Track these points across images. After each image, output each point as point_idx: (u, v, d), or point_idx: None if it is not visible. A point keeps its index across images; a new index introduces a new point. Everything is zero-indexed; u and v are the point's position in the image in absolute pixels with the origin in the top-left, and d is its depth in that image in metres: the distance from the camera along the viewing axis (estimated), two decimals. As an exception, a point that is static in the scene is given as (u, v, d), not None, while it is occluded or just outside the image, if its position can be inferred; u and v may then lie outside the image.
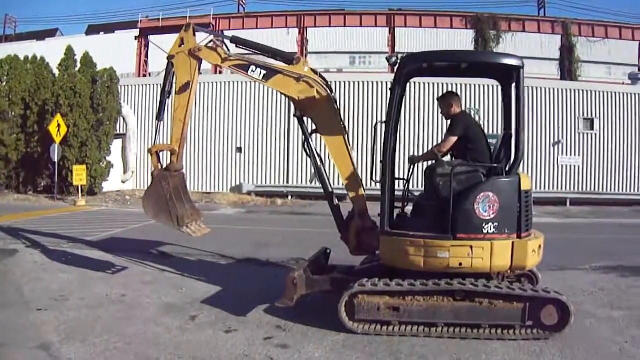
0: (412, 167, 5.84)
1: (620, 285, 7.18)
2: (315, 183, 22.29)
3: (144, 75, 29.56)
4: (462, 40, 31.78)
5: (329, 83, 5.93)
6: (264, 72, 5.89)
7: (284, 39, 29.96)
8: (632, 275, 7.83)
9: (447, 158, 5.51)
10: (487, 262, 4.90)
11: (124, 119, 22.30)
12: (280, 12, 29.83)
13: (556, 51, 30.51)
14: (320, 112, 5.87)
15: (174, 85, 6.28)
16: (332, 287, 5.51)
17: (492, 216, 4.90)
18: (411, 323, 4.98)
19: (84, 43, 28.36)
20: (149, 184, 6.33)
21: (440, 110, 5.77)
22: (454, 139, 5.29)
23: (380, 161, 5.42)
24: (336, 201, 6.05)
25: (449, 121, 5.60)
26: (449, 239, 4.92)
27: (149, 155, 6.30)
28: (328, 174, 6.25)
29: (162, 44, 29.79)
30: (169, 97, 6.41)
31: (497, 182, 4.98)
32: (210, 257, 8.81)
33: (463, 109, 5.61)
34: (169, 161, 6.35)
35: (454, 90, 7.41)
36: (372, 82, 21.95)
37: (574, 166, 21.92)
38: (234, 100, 22.48)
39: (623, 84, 26.05)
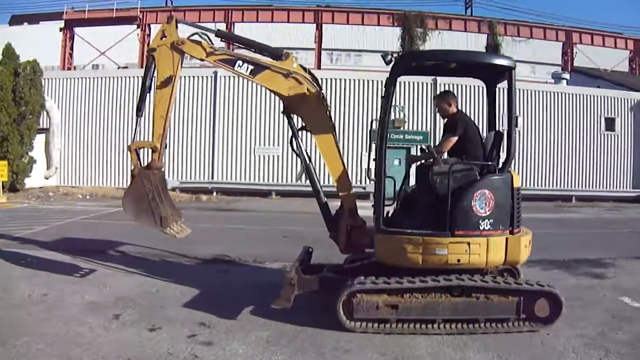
0: (409, 166, 5.91)
1: (542, 279, 7.58)
2: (242, 179, 22.39)
3: (69, 69, 28.71)
4: (388, 37, 32.64)
5: (318, 80, 5.86)
6: (251, 67, 5.74)
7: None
8: (554, 268, 8.27)
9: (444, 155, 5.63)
10: (484, 257, 5.06)
11: (47, 113, 21.61)
12: (208, 6, 29.80)
13: (482, 50, 31.92)
14: (309, 109, 5.79)
15: (154, 79, 5.99)
16: (322, 286, 5.50)
17: (488, 213, 5.05)
18: (409, 320, 5.04)
19: (6, 34, 27.03)
20: (129, 182, 6.00)
21: (437, 109, 5.87)
22: (454, 138, 5.40)
23: (374, 159, 5.44)
24: (324, 199, 5.99)
25: (444, 120, 5.72)
26: (447, 236, 5.02)
27: (129, 152, 5.97)
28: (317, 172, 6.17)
29: (89, 37, 28.78)
30: (149, 92, 6.09)
31: (492, 180, 5.14)
32: (134, 254, 8.68)
33: (459, 108, 5.75)
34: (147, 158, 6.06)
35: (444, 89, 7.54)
36: None
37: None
38: None
39: (547, 82, 27.73)
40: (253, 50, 5.99)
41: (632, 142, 24.30)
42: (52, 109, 21.87)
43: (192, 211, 16.25)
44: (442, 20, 31.37)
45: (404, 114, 22.68)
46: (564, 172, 23.49)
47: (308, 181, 6.12)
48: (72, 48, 29.25)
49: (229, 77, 22.25)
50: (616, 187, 24.21)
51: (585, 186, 23.93)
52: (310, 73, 5.87)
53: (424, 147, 5.85)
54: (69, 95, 22.72)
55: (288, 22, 29.53)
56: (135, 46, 29.26)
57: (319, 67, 28.47)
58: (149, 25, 29.34)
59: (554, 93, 24.22)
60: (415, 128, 23.01)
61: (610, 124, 24.31)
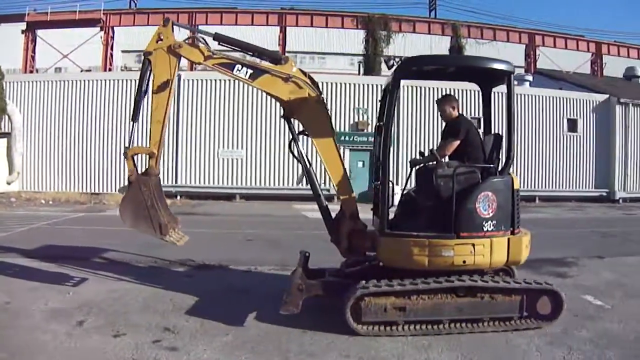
0: (412, 169, 6.05)
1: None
2: (206, 182, 22.46)
3: (32, 72, 28.05)
4: (352, 40, 33.01)
5: (317, 84, 5.93)
6: (250, 71, 5.74)
7: (175, 36, 29.76)
8: (518, 268, 8.55)
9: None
10: (488, 258, 5.25)
11: (9, 117, 21.26)
12: (172, 9, 29.98)
13: (446, 52, 32.69)
14: (310, 114, 5.83)
15: (150, 83, 5.93)
16: (326, 291, 5.57)
17: (491, 214, 5.25)
18: (417, 322, 5.19)
19: (-34, 36, 26.20)
20: (126, 189, 5.93)
21: (439, 113, 6.02)
22: (457, 142, 5.54)
23: (379, 163, 5.56)
24: (325, 203, 6.05)
25: (445, 123, 5.90)
26: (452, 238, 5.19)
27: (125, 159, 5.90)
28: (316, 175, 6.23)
29: (51, 39, 28.11)
30: (144, 97, 6.03)
31: (495, 182, 5.33)
32: (97, 259, 8.65)
33: (461, 112, 5.93)
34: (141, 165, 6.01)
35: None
36: None
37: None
38: (122, 99, 22.13)
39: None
40: (251, 54, 6.00)
41: (594, 142, 25.25)
42: (14, 112, 21.58)
43: None
44: (406, 22, 31.95)
45: (368, 116, 23.10)
46: (527, 172, 24.15)
47: (309, 185, 6.16)
48: (34, 51, 28.60)
49: (192, 80, 22.39)
50: (579, 187, 25.07)
51: (549, 186, 24.70)
52: (309, 77, 5.91)
53: (423, 150, 5.99)
54: (31, 99, 22.39)
55: (252, 24, 29.44)
56: (98, 49, 28.86)
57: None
58: (112, 27, 29.14)
59: (517, 95, 24.94)
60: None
61: (572, 125, 25.20)
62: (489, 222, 5.25)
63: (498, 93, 6.15)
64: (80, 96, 22.30)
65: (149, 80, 5.97)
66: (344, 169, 5.94)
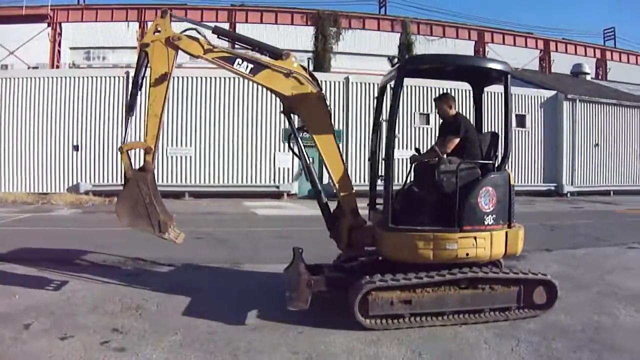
0: (412, 166, 6.30)
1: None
2: (159, 181, 21.84)
3: None
4: (302, 36, 33.28)
5: (317, 79, 6.07)
6: (250, 66, 5.77)
7: (123, 32, 30.40)
8: None
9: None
10: (488, 250, 5.58)
11: None
12: (121, 5, 29.40)
13: (395, 48, 33.47)
14: (311, 110, 5.94)
15: (146, 76, 5.88)
16: (330, 286, 5.74)
17: (491, 209, 5.58)
18: (421, 314, 5.46)
19: None
20: (123, 186, 5.86)
21: (437, 111, 6.30)
22: (457, 139, 5.82)
23: (383, 159, 5.78)
24: (325, 199, 6.19)
25: (442, 121, 6.19)
26: (456, 231, 5.49)
27: (120, 154, 5.80)
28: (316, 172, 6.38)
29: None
30: (140, 90, 5.98)
31: (494, 177, 5.68)
32: (44, 260, 8.45)
33: (457, 110, 6.23)
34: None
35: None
36: (214, 78, 22.71)
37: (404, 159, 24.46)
38: (70, 96, 21.89)
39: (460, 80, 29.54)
40: (251, 48, 6.07)
41: (542, 138, 26.57)
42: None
43: (104, 214, 16.37)
44: (355, 19, 32.62)
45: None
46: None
47: (309, 182, 6.28)
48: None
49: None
50: (528, 181, 26.23)
51: (498, 181, 25.70)
52: (310, 73, 6.04)
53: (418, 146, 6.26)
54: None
55: (202, 21, 29.03)
56: (45, 45, 28.20)
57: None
58: (59, 23, 28.73)
59: (467, 91, 25.81)
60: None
61: (521, 120, 26.33)
62: (489, 215, 5.59)
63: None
64: (26, 94, 21.81)
65: (145, 73, 5.92)
66: (344, 165, 6.10)
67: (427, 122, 24.43)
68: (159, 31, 5.87)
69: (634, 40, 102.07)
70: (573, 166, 26.91)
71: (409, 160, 6.31)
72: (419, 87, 24.31)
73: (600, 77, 37.35)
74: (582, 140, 27.23)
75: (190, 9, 29.64)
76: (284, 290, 5.81)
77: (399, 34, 33.00)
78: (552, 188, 26.31)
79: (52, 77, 22.35)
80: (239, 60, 5.82)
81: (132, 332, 5.21)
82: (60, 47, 28.98)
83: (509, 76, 5.85)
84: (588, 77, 35.08)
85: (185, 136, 22.55)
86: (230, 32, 6.09)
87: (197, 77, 22.34)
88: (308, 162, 6.22)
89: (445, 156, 5.80)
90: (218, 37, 6.05)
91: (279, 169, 23.56)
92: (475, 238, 5.52)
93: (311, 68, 30.56)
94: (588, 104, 27.51)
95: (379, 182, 6.47)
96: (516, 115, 26.17)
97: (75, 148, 21.88)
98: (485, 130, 6.65)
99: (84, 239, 10.72)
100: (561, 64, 35.31)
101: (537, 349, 4.94)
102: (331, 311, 5.67)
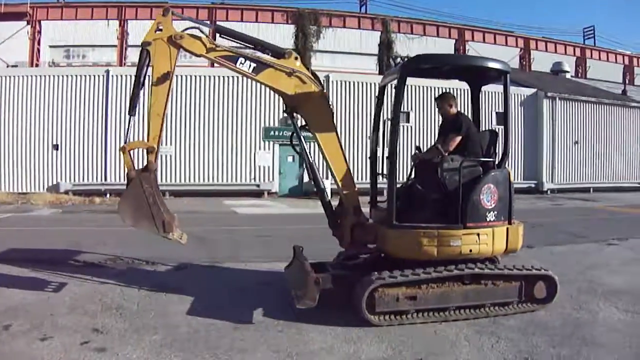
0: (414, 164, 6.44)
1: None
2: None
3: None
4: (283, 35, 33.31)
5: (320, 78, 6.16)
6: (253, 65, 5.83)
7: (103, 30, 30.14)
8: None
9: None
10: (490, 247, 5.77)
11: None
12: (101, 3, 29.22)
13: (375, 47, 33.69)
14: (314, 108, 6.03)
15: (148, 75, 5.89)
16: (335, 284, 5.78)
17: (493, 205, 5.76)
18: (426, 310, 5.60)
19: None
20: (126, 186, 5.86)
21: (438, 110, 6.44)
22: (459, 137, 5.95)
23: (387, 157, 5.90)
24: (328, 198, 6.30)
25: (443, 120, 6.34)
26: (460, 228, 5.64)
27: (122, 154, 5.78)
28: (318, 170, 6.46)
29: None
30: (142, 88, 5.98)
31: (495, 175, 5.84)
32: (24, 260, 8.44)
33: (459, 109, 6.39)
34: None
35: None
36: (194, 76, 22.82)
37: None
38: (50, 95, 21.80)
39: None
40: (253, 47, 6.13)
41: (522, 135, 27.01)
42: None
43: (84, 214, 16.58)
44: (336, 17, 32.78)
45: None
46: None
47: (312, 181, 6.37)
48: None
49: (121, 76, 22.28)
50: (509, 178, 26.60)
51: (479, 178, 26.14)
52: (312, 72, 6.12)
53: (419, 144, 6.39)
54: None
55: (181, 20, 29.05)
56: (25, 44, 27.86)
57: (212, 65, 28.53)
58: (39, 21, 28.34)
59: (446, 89, 26.10)
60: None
61: (501, 118, 26.61)
62: (491, 212, 5.76)
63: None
64: (5, 92, 21.66)
65: (146, 72, 5.93)
66: (347, 164, 6.19)
67: (407, 120, 24.64)
68: (160, 29, 5.85)
69: (613, 38, 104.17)
70: (553, 163, 27.49)
71: (410, 159, 6.43)
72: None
73: (580, 75, 38.04)
74: (562, 138, 27.82)
75: (171, 6, 29.24)
76: (278, 289, 5.96)
77: (380, 33, 33.15)
78: (533, 185, 26.80)
79: (32, 76, 22.28)
80: (241, 60, 5.87)
81: (112, 332, 5.23)
82: (40, 45, 28.62)
83: (508, 75, 5.99)
84: (568, 75, 35.78)
85: (165, 135, 22.38)
86: (233, 30, 6.10)
87: (177, 76, 22.12)
88: (311, 160, 6.30)
89: (447, 154, 5.95)
90: (221, 36, 6.08)
91: (260, 167, 23.68)
92: (478, 234, 5.69)
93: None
94: (568, 102, 28.12)
95: (379, 179, 6.60)
96: (496, 113, 26.52)
97: (55, 147, 21.82)
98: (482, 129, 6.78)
99: (64, 239, 10.65)
100: (541, 62, 35.93)
101: (517, 345, 5.02)
102: (313, 309, 5.68)
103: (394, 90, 5.82)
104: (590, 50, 39.70)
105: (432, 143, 6.40)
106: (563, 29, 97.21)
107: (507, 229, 5.88)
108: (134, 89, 5.99)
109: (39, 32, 28.11)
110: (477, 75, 6.63)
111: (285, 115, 6.35)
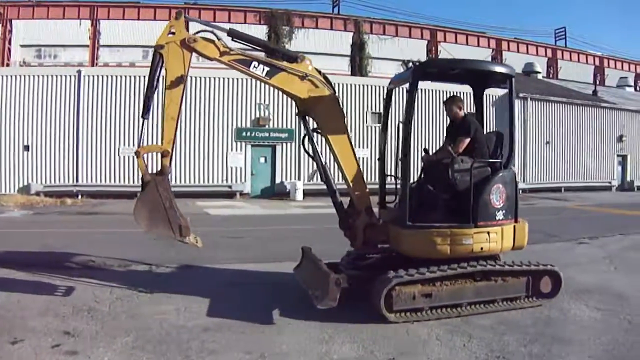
0: (424, 165, 6.71)
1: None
2: (108, 181, 22.54)
3: None
4: (255, 35, 33.21)
5: (331, 82, 6.35)
6: (267, 69, 5.99)
7: (75, 30, 29.82)
8: None
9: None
10: (499, 244, 6.10)
11: None
12: (73, 2, 28.95)
13: (348, 48, 34.08)
14: (326, 112, 6.24)
15: (161, 78, 5.96)
16: (351, 283, 5.94)
17: (501, 205, 6.08)
18: (440, 307, 5.87)
19: None
20: (140, 190, 5.94)
21: (447, 112, 6.71)
22: (468, 139, 6.24)
23: (400, 159, 6.15)
24: (339, 199, 6.49)
25: (451, 122, 6.63)
26: (471, 227, 5.94)
27: (136, 158, 5.87)
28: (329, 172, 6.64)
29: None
30: (155, 92, 6.04)
31: (503, 175, 6.17)
32: None
33: (466, 111, 6.68)
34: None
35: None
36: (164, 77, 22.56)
37: (362, 158, 24.95)
38: (21, 95, 21.63)
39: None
40: (266, 51, 6.30)
41: (494, 136, 27.60)
42: None
43: (55, 215, 16.55)
44: (308, 18, 33.13)
45: (269, 112, 24.04)
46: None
47: (324, 182, 6.55)
48: None
49: (93, 76, 22.32)
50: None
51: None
52: (324, 76, 6.30)
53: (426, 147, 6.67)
54: None
55: (154, 19, 29.15)
56: None
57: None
58: (10, 20, 28.08)
59: (420, 90, 26.54)
60: (280, 126, 24.37)
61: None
62: (500, 211, 6.08)
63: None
64: None
65: (159, 75, 6.00)
66: (358, 165, 6.41)
67: (379, 121, 24.95)
68: (173, 33, 5.94)
69: (584, 40, 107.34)
70: (525, 164, 28.29)
71: (420, 160, 6.70)
72: (373, 86, 25.06)
73: (551, 75, 39.26)
74: (533, 138, 28.69)
75: (143, 7, 29.50)
76: (249, 289, 6.07)
77: (352, 34, 33.58)
78: (506, 185, 27.32)
79: (2, 76, 22.01)
80: (255, 63, 6.03)
81: (83, 335, 5.23)
82: (11, 45, 28.25)
83: (513, 79, 6.33)
84: (539, 76, 36.70)
85: (132, 135, 22.29)
86: (245, 34, 6.23)
87: (146, 77, 22.07)
88: (323, 162, 6.48)
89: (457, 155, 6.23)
90: (232, 40, 6.22)
91: (231, 168, 23.82)
92: (488, 233, 6.01)
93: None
94: (539, 102, 29.02)
95: (388, 180, 6.86)
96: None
97: (26, 148, 21.68)
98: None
99: (34, 241, 10.65)
100: (513, 63, 36.26)
101: (489, 344, 5.16)
102: (289, 309, 5.87)
103: (405, 94, 6.09)
104: (562, 52, 41.04)
105: (437, 144, 6.68)
106: (535, 30, 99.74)
107: (514, 227, 6.22)
108: (147, 92, 6.04)
109: (10, 31, 27.88)
110: (483, 79, 6.95)
111: (297, 117, 6.52)
